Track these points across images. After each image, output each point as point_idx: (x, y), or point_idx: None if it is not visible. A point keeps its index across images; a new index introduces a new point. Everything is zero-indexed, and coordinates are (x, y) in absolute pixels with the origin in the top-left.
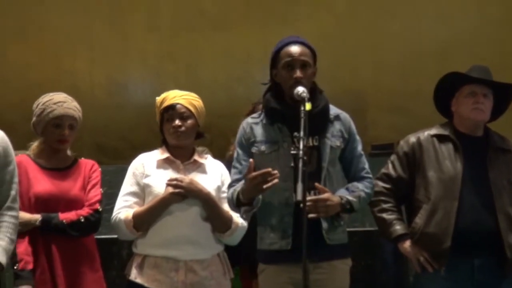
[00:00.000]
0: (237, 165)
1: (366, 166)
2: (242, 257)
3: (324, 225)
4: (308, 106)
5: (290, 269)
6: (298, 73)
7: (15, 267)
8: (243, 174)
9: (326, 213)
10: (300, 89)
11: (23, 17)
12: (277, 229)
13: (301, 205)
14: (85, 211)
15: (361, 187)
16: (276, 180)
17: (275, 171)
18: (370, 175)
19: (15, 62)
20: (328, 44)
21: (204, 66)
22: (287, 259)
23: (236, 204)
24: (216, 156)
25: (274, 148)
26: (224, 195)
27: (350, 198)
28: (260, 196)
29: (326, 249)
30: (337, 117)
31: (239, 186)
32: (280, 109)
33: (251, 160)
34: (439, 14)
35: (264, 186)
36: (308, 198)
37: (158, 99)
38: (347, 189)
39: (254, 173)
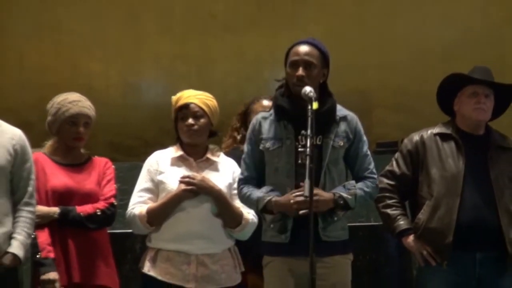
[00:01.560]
0: (247, 161)
1: (371, 166)
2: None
3: (321, 223)
4: (315, 105)
5: (290, 261)
6: (300, 71)
7: (37, 256)
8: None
9: (316, 208)
10: (308, 89)
11: (40, 20)
12: (277, 222)
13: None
14: (101, 205)
15: (360, 185)
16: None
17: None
18: (374, 175)
19: (32, 64)
20: (335, 45)
21: (215, 67)
22: (287, 252)
23: (262, 210)
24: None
25: (279, 145)
26: (236, 191)
27: (344, 195)
28: None
29: (326, 245)
30: (344, 118)
31: (270, 195)
32: (286, 107)
33: (301, 183)
34: (444, 15)
35: (301, 213)
36: (294, 195)
37: (174, 98)
38: (343, 186)
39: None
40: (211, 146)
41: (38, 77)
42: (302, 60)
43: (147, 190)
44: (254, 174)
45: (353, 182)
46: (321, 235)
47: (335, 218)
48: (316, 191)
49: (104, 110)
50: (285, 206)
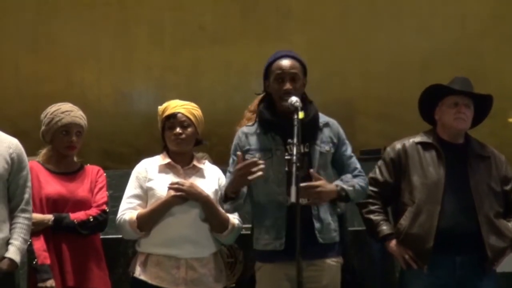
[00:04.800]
0: (231, 170)
1: (358, 166)
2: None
3: (317, 225)
4: (301, 114)
5: (285, 266)
6: (287, 85)
7: (34, 263)
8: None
9: (319, 198)
10: (294, 99)
11: (36, 32)
12: (271, 231)
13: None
14: (93, 211)
15: (356, 180)
16: (260, 173)
17: (261, 161)
18: (363, 174)
19: (28, 74)
20: (319, 56)
21: (204, 78)
22: (282, 258)
23: (224, 199)
24: (215, 161)
25: (268, 156)
26: None
27: (345, 186)
28: (245, 190)
29: (319, 247)
30: (326, 124)
31: (226, 182)
32: (273, 120)
33: (238, 153)
34: (422, 27)
35: (249, 177)
36: (301, 184)
37: (160, 108)
38: (341, 180)
39: (240, 164)
40: (198, 154)
41: (33, 87)
42: (288, 74)
43: (136, 196)
44: None
45: (349, 175)
46: (318, 238)
47: (338, 210)
48: (319, 182)
49: (96, 119)
50: (235, 179)
